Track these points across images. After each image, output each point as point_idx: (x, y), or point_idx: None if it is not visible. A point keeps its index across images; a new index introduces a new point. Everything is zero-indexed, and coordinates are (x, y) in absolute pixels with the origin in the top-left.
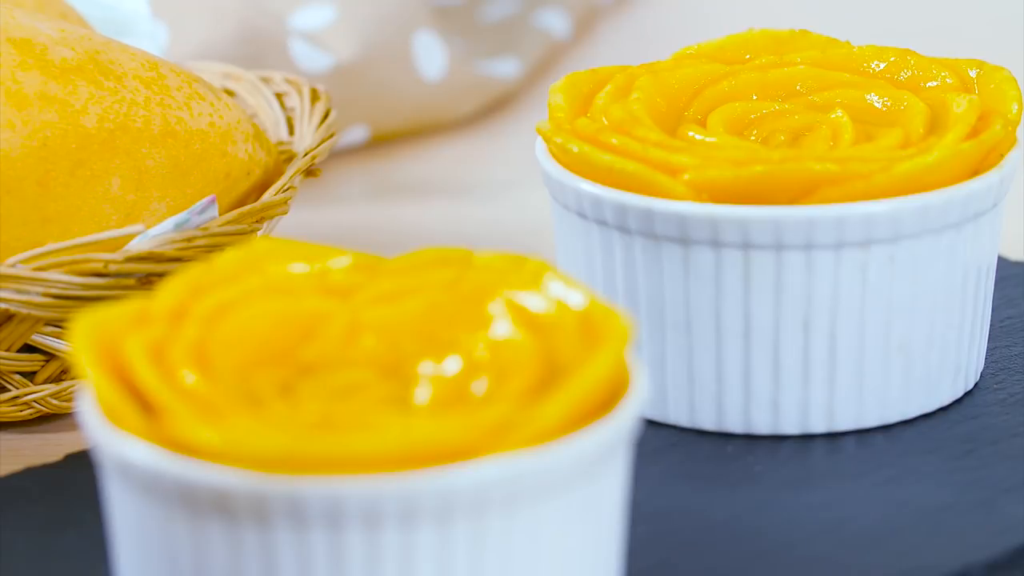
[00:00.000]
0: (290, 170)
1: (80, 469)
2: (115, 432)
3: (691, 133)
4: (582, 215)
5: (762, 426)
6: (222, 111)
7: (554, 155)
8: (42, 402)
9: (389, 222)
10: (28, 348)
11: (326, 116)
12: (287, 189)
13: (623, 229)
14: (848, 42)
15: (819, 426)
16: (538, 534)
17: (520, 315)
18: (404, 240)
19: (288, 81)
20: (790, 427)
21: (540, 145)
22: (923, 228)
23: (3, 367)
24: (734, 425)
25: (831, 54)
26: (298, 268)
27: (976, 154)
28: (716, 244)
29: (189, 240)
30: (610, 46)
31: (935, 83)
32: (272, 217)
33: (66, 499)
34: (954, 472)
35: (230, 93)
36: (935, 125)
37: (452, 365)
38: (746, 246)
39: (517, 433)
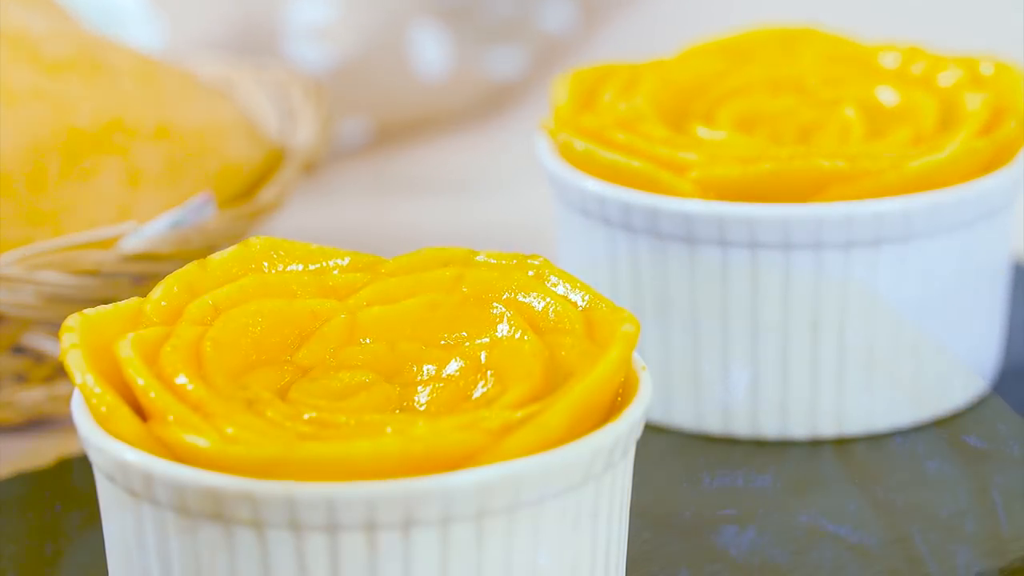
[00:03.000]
0: (287, 167)
1: (73, 473)
2: (108, 436)
3: (698, 130)
4: (586, 213)
5: (770, 430)
6: (217, 109)
7: (558, 152)
8: (34, 406)
9: (389, 222)
10: (19, 350)
11: (324, 111)
12: (284, 186)
13: (628, 228)
14: (857, 38)
15: (828, 430)
16: (540, 540)
17: (523, 316)
18: (404, 240)
19: (287, 75)
20: (799, 431)
21: (543, 142)
22: (935, 227)
23: None
24: (741, 429)
25: (840, 50)
26: (295, 268)
27: (989, 151)
28: (723, 243)
29: (184, 239)
30: (615, 41)
31: (947, 79)
32: (267, 214)
33: (58, 504)
34: (967, 478)
35: (227, 87)
36: (947, 122)
37: (453, 367)
38: (753, 245)
39: (519, 438)
